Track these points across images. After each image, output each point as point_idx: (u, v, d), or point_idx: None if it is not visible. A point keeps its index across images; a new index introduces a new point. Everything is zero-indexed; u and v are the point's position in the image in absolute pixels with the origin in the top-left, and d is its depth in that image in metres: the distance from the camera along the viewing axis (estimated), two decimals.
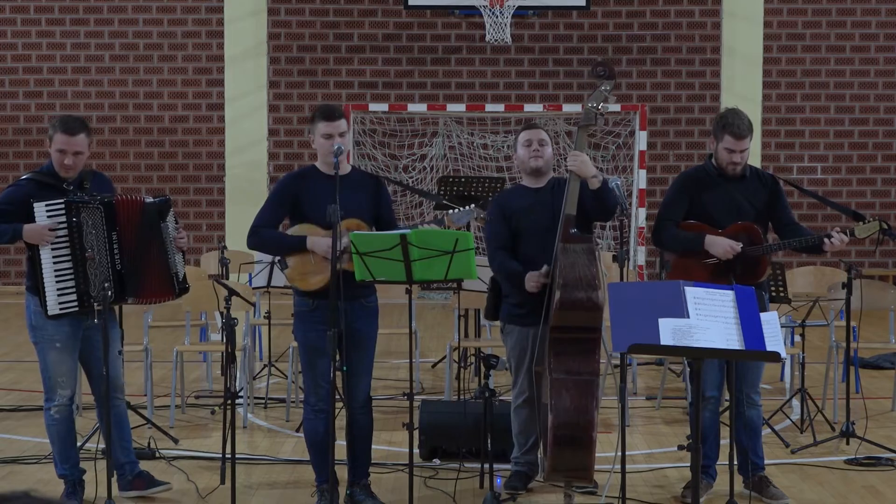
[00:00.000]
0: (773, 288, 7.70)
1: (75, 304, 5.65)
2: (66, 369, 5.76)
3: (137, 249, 5.74)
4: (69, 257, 5.64)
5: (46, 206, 5.62)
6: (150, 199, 5.81)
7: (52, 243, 5.60)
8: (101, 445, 5.86)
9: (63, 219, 5.62)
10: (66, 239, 5.63)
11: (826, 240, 5.86)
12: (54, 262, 5.62)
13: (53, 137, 5.72)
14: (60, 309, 5.64)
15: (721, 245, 5.85)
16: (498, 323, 9.47)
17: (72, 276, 5.64)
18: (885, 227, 5.88)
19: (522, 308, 5.94)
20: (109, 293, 5.54)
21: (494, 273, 6.12)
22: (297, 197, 5.70)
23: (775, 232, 6.12)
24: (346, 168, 5.73)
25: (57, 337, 5.71)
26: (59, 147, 5.70)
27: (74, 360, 5.80)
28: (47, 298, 5.63)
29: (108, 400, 5.63)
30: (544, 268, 5.79)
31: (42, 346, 5.75)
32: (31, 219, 5.62)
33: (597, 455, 5.56)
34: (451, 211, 5.67)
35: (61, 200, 5.64)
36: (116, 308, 6.08)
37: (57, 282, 5.63)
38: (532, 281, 5.82)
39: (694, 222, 6.00)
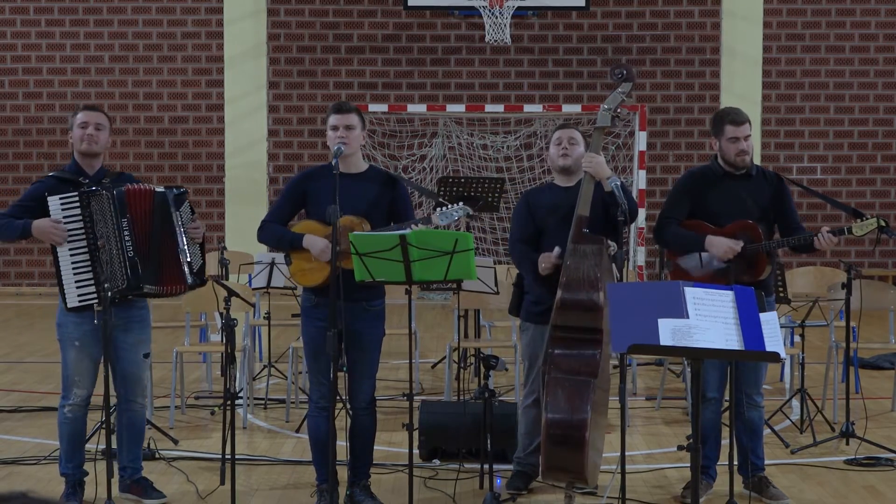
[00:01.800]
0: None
1: (94, 295, 5.65)
2: (84, 368, 5.75)
3: (151, 237, 5.73)
4: (85, 249, 5.66)
5: (61, 199, 5.67)
6: (160, 188, 5.80)
7: (67, 239, 5.63)
8: (102, 446, 5.85)
9: (77, 211, 5.66)
10: (82, 231, 5.66)
11: (814, 238, 5.88)
12: (71, 256, 5.66)
13: (75, 118, 5.83)
14: (80, 301, 5.64)
15: (721, 245, 5.85)
16: (498, 323, 9.53)
17: (89, 268, 5.66)
18: (883, 224, 5.88)
19: (540, 305, 5.95)
20: (109, 293, 5.53)
21: (514, 263, 6.18)
22: (305, 194, 5.78)
23: (780, 234, 6.12)
24: (360, 167, 5.77)
25: (76, 335, 5.72)
26: (80, 122, 5.80)
27: (94, 360, 5.76)
28: (66, 291, 5.66)
29: (107, 398, 5.63)
30: (556, 249, 5.79)
31: (63, 344, 5.78)
32: (48, 214, 5.68)
33: (588, 457, 5.55)
34: (437, 210, 5.68)
35: (75, 193, 5.68)
36: (150, 306, 6.07)
37: (75, 274, 5.65)
38: (544, 262, 5.82)
39: (696, 221, 6.00)
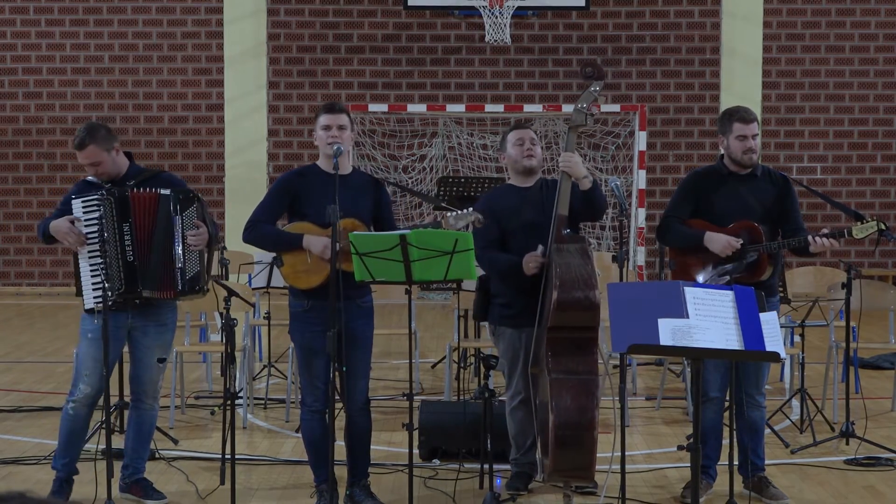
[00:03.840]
0: None
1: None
2: (91, 362, 5.76)
3: (152, 241, 5.76)
4: (98, 252, 5.72)
5: (83, 201, 5.74)
6: (165, 192, 5.78)
7: (86, 242, 5.69)
8: (102, 446, 5.85)
9: (95, 215, 5.73)
10: (97, 234, 5.72)
11: (811, 239, 5.86)
12: (89, 257, 5.72)
13: None
14: (95, 302, 5.70)
15: (720, 241, 5.86)
16: None
17: (100, 271, 5.71)
18: (883, 227, 5.88)
19: (511, 308, 5.94)
20: (110, 293, 5.54)
21: (485, 270, 6.08)
22: (296, 194, 5.72)
23: (781, 235, 6.11)
24: (346, 168, 5.75)
25: (90, 328, 5.77)
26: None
27: (103, 356, 5.74)
28: (84, 293, 5.73)
29: (107, 397, 5.69)
30: (540, 248, 5.77)
31: (81, 336, 5.85)
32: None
33: (597, 455, 5.57)
34: (448, 213, 5.65)
35: (94, 196, 5.73)
36: (178, 309, 6.09)
37: (92, 276, 5.71)
38: (532, 261, 5.79)
39: (698, 221, 6.00)
